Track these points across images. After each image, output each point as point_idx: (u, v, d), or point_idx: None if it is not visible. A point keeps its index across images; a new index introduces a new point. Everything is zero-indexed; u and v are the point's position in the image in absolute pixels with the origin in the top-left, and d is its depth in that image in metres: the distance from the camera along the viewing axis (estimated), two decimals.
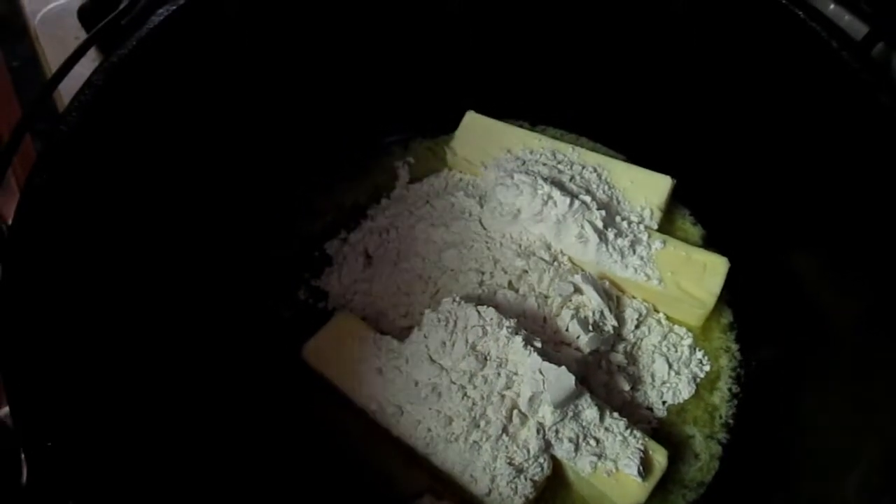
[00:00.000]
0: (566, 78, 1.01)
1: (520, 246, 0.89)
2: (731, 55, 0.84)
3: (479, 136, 1.01)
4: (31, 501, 0.52)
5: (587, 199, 0.90)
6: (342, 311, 0.88)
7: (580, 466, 0.75)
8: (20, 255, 0.61)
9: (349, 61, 0.95)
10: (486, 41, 0.98)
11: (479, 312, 0.77)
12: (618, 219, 0.91)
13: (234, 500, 0.76)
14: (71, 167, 0.67)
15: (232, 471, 0.77)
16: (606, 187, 0.94)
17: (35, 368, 0.55)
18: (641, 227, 0.91)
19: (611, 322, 0.85)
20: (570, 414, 0.75)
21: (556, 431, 0.75)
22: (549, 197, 0.88)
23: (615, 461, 0.75)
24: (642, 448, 0.75)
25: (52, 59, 1.02)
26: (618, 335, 0.87)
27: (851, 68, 0.70)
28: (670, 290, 0.87)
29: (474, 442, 0.74)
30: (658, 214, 0.93)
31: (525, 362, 0.74)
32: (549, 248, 0.89)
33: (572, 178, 0.94)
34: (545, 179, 0.90)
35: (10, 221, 0.62)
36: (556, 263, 0.88)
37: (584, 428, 0.75)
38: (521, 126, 1.04)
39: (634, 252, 0.89)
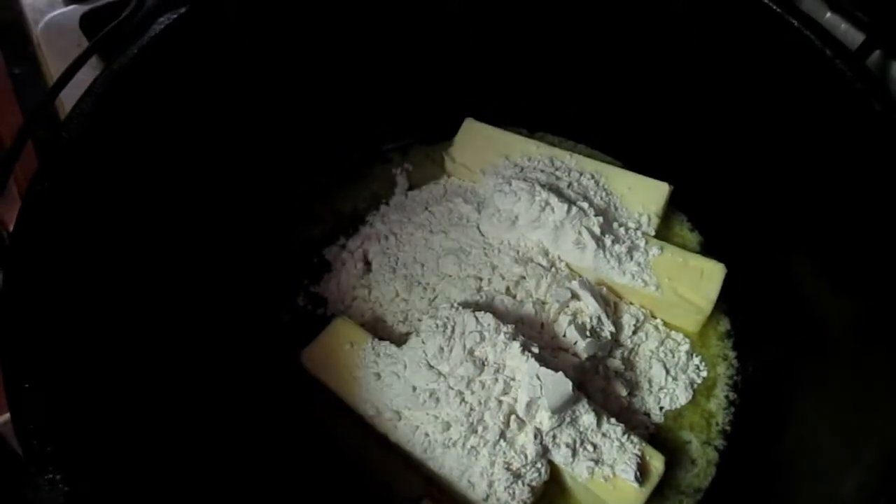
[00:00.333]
0: (564, 85, 1.02)
1: (517, 252, 0.90)
2: (727, 63, 0.84)
3: (478, 142, 1.01)
4: None
5: (585, 205, 0.90)
6: (341, 316, 0.89)
7: (577, 472, 0.75)
8: (21, 262, 0.61)
9: (348, 70, 0.95)
10: (485, 48, 0.99)
11: (476, 318, 0.78)
12: (615, 225, 0.92)
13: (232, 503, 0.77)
14: (72, 174, 0.67)
15: (231, 475, 0.77)
16: (604, 194, 0.95)
17: (36, 374, 0.56)
18: (639, 233, 0.92)
19: (608, 328, 0.85)
20: (568, 419, 0.75)
21: (554, 437, 0.75)
22: (547, 203, 0.89)
23: (612, 466, 0.75)
24: (639, 453, 0.75)
25: (54, 66, 1.02)
26: (615, 341, 0.87)
27: (846, 76, 0.70)
28: (667, 296, 0.87)
29: (472, 447, 0.74)
30: (655, 221, 0.94)
31: (522, 368, 0.75)
32: (546, 254, 0.90)
33: (570, 185, 0.95)
34: (543, 186, 0.90)
35: (10, 228, 0.63)
36: (553, 269, 0.88)
37: (581, 433, 0.75)
38: (519, 133, 1.04)
39: (632, 258, 0.89)
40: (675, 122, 0.95)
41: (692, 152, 0.95)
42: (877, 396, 0.65)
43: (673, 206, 0.99)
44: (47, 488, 0.50)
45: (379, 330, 0.89)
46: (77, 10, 1.07)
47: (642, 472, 0.75)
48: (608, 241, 0.89)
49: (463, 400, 0.75)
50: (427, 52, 0.98)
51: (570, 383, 0.73)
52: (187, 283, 0.82)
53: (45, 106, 0.75)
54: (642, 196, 0.95)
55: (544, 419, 0.74)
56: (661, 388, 0.86)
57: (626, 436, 0.76)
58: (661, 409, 0.85)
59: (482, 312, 0.79)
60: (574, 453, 0.75)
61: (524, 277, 0.87)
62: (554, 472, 0.76)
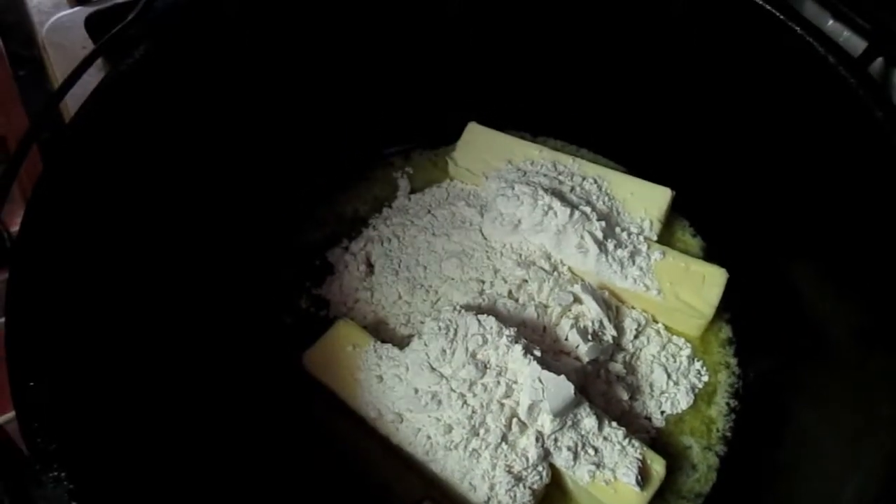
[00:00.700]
0: (567, 90, 1.02)
1: (520, 256, 0.90)
2: (730, 69, 0.85)
3: (481, 146, 1.02)
4: None
5: (587, 209, 0.91)
6: (343, 319, 0.89)
7: (579, 475, 0.75)
8: (26, 263, 0.61)
9: (352, 74, 0.96)
10: (488, 52, 0.99)
11: (479, 321, 0.78)
12: (617, 230, 0.92)
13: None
14: (77, 176, 0.67)
15: (232, 476, 0.77)
16: (606, 198, 0.95)
17: (41, 373, 0.56)
18: (641, 238, 0.92)
19: (610, 332, 0.86)
20: (569, 423, 0.75)
21: (555, 440, 0.75)
22: (550, 207, 0.89)
23: (613, 470, 0.75)
24: (640, 457, 0.76)
25: (59, 68, 1.02)
26: (617, 345, 0.87)
27: (848, 83, 0.71)
28: (669, 300, 0.88)
29: (473, 450, 0.74)
30: (657, 226, 0.94)
31: (524, 371, 0.75)
32: (549, 258, 0.90)
33: (573, 189, 0.95)
34: (546, 190, 0.91)
35: (14, 229, 0.63)
36: (555, 273, 0.89)
37: (582, 437, 0.76)
38: (522, 137, 1.05)
39: (634, 263, 0.90)
40: (678, 128, 0.95)
41: (695, 158, 0.96)
42: (877, 402, 0.66)
43: (675, 212, 0.99)
44: (52, 485, 0.50)
45: (381, 332, 0.89)
46: (82, 11, 1.08)
47: (643, 476, 0.75)
48: (610, 245, 0.89)
49: (465, 402, 0.75)
50: (430, 56, 0.98)
51: (571, 387, 0.73)
52: (190, 284, 0.82)
53: (50, 108, 0.75)
54: (645, 201, 0.95)
55: (546, 422, 0.74)
56: (662, 393, 0.86)
57: (627, 440, 0.76)
58: (662, 413, 0.85)
59: (484, 315, 0.79)
60: (575, 457, 0.75)
61: (526, 281, 0.87)
62: (555, 475, 0.77)
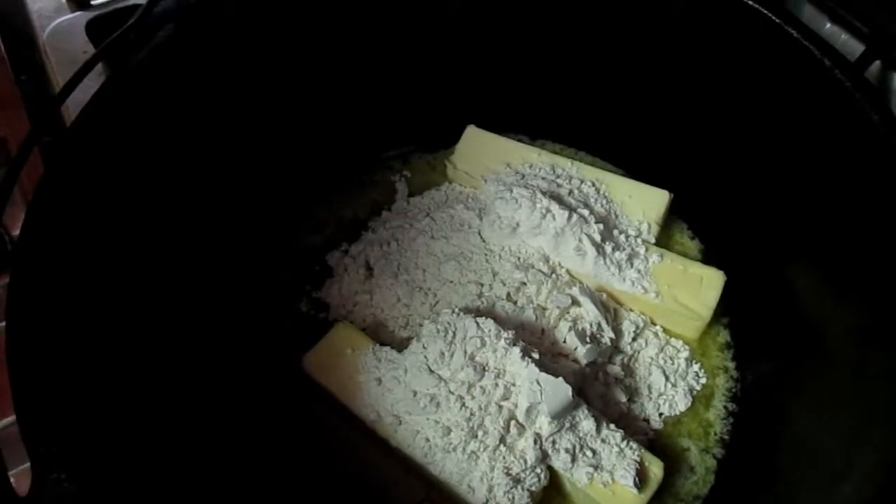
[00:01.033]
0: (566, 93, 1.02)
1: (518, 258, 0.91)
2: (728, 73, 0.85)
3: (480, 149, 1.02)
4: None
5: (585, 212, 0.91)
6: (342, 321, 0.89)
7: (577, 477, 0.75)
8: (27, 266, 0.62)
9: (351, 77, 0.96)
10: (486, 55, 1.00)
11: (477, 324, 0.78)
12: (615, 232, 0.92)
13: None
14: (78, 179, 0.68)
15: (232, 478, 0.77)
16: (605, 201, 0.96)
17: (42, 376, 0.56)
18: (639, 240, 0.92)
19: (608, 334, 0.86)
20: (567, 425, 0.76)
21: (553, 442, 0.75)
22: (548, 210, 0.89)
23: (611, 472, 0.75)
24: (638, 459, 0.76)
25: (60, 73, 1.02)
26: (615, 347, 0.88)
27: (844, 87, 0.71)
28: (667, 303, 0.88)
29: (472, 452, 0.74)
30: (655, 228, 0.94)
31: (523, 373, 0.75)
32: (547, 260, 0.90)
33: (571, 192, 0.96)
34: (544, 193, 0.91)
35: (15, 233, 0.63)
36: (554, 276, 0.89)
37: (580, 439, 0.76)
38: (520, 140, 1.05)
39: (632, 265, 0.90)
40: (676, 131, 0.96)
41: (693, 161, 0.96)
42: (874, 404, 0.66)
43: (673, 215, 0.99)
44: (52, 487, 0.51)
45: (380, 335, 0.89)
46: (83, 16, 1.08)
47: (641, 478, 0.75)
48: (608, 248, 0.90)
49: (463, 405, 0.75)
50: (429, 59, 0.98)
51: (569, 389, 0.74)
52: (190, 287, 0.83)
53: (52, 112, 0.75)
54: (643, 204, 0.95)
55: (544, 424, 0.75)
56: (660, 395, 0.86)
57: (625, 442, 0.76)
58: (660, 415, 0.86)
59: (483, 318, 0.79)
60: (573, 459, 0.75)
61: (525, 283, 0.88)
62: (553, 477, 0.77)
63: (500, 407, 0.75)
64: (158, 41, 0.75)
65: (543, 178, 0.97)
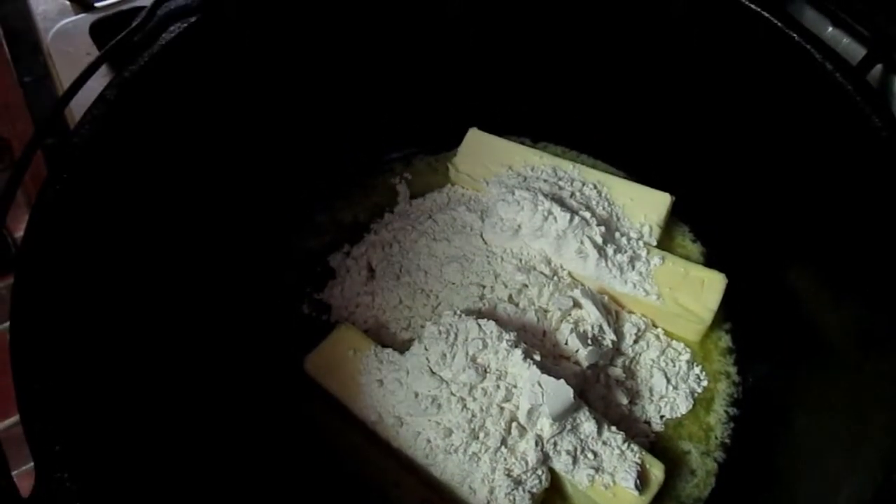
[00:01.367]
0: (568, 96, 1.02)
1: (520, 260, 0.91)
2: (729, 76, 0.85)
3: (482, 152, 1.02)
4: None
5: (587, 215, 0.91)
6: (344, 323, 0.89)
7: (578, 479, 0.75)
8: (31, 268, 0.62)
9: (353, 78, 0.96)
10: (488, 58, 1.00)
11: (479, 325, 0.78)
12: (617, 235, 0.93)
13: None
14: (82, 181, 0.68)
15: (234, 479, 0.77)
16: (606, 204, 0.96)
17: (46, 376, 0.56)
18: (640, 243, 0.92)
19: (609, 336, 0.86)
20: (569, 427, 0.76)
21: (555, 444, 0.75)
22: (550, 213, 0.89)
23: (612, 474, 0.75)
24: (639, 462, 0.76)
25: (64, 75, 1.03)
26: (616, 349, 0.88)
27: (845, 90, 0.71)
28: (669, 305, 0.88)
29: (473, 454, 0.74)
30: (657, 231, 0.94)
31: (524, 375, 0.75)
32: (549, 262, 0.91)
33: (573, 195, 0.96)
34: (546, 195, 0.91)
35: (19, 235, 0.63)
36: (555, 278, 0.89)
37: (582, 441, 0.76)
38: (522, 143, 1.05)
39: (633, 268, 0.90)
40: (678, 134, 0.96)
41: (694, 163, 0.96)
42: (874, 407, 0.66)
43: (675, 217, 1.00)
44: (54, 488, 0.51)
45: (382, 336, 0.90)
46: (87, 18, 1.08)
47: (642, 480, 0.75)
48: (610, 250, 0.90)
49: (465, 406, 0.75)
50: (431, 62, 0.99)
51: (571, 391, 0.74)
52: (193, 289, 0.83)
53: (56, 115, 0.75)
54: (644, 206, 0.96)
55: (545, 426, 0.75)
56: (661, 397, 0.86)
57: (626, 444, 0.76)
58: (661, 417, 0.86)
59: (485, 320, 0.79)
60: (574, 461, 0.75)
61: (526, 285, 0.88)
62: (554, 479, 0.77)
63: (502, 409, 0.75)
64: (163, 43, 0.75)
65: (545, 181, 0.98)
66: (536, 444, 0.75)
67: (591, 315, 0.86)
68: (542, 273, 0.89)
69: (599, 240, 0.89)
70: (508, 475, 0.74)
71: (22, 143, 0.70)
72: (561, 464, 0.75)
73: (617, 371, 0.86)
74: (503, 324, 0.81)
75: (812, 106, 0.76)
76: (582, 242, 0.89)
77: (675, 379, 0.87)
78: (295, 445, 0.83)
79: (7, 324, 0.58)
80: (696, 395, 0.87)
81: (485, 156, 1.02)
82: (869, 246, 0.71)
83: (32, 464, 0.53)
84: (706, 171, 0.95)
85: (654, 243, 0.94)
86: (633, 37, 0.92)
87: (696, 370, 0.89)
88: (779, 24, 0.76)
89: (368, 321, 0.91)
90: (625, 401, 0.84)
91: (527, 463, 0.74)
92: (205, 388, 0.79)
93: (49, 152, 0.85)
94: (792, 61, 0.76)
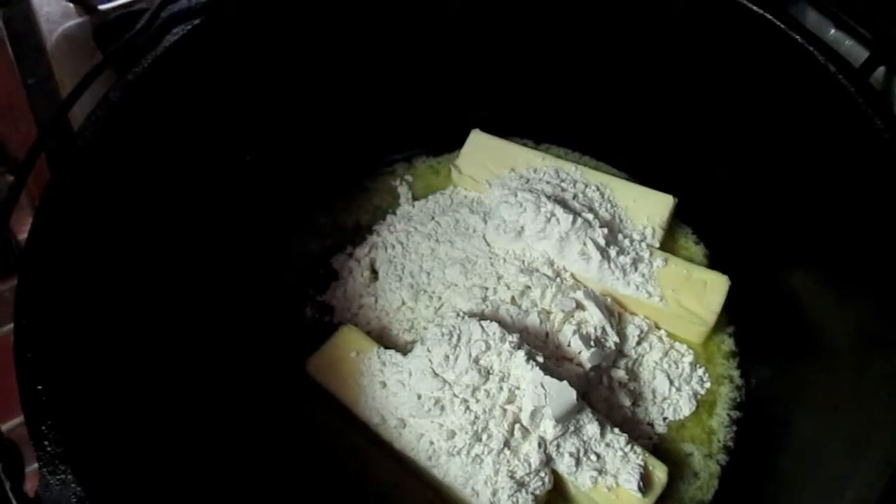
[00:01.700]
0: (570, 97, 1.03)
1: (523, 262, 0.91)
2: (732, 78, 0.85)
3: (484, 154, 1.02)
4: None
5: (590, 216, 0.91)
6: (347, 325, 0.89)
7: (581, 481, 0.75)
8: (35, 269, 0.62)
9: (355, 80, 0.96)
10: (491, 60, 1.00)
11: (482, 327, 0.78)
12: (620, 237, 0.93)
13: None
14: (84, 184, 0.68)
15: (236, 480, 0.77)
16: (609, 205, 0.96)
17: (49, 376, 0.56)
18: (643, 245, 0.92)
19: (612, 338, 0.86)
20: (572, 429, 0.76)
21: (558, 446, 0.75)
22: (553, 214, 0.89)
23: (616, 476, 0.75)
24: (642, 464, 0.76)
25: (68, 77, 1.03)
26: (619, 351, 0.88)
27: (848, 92, 0.71)
28: (671, 307, 0.88)
29: (476, 455, 0.74)
30: (660, 233, 0.94)
31: (527, 377, 0.75)
32: (551, 264, 0.91)
33: (575, 197, 0.96)
34: (548, 197, 0.91)
35: (23, 237, 0.63)
36: (558, 280, 0.89)
37: (585, 443, 0.76)
38: (525, 145, 1.06)
39: (636, 269, 0.90)
40: (680, 136, 0.96)
41: (697, 165, 0.96)
42: (876, 409, 0.66)
43: (678, 219, 1.00)
44: (58, 487, 0.51)
45: (385, 338, 0.90)
46: (91, 21, 1.08)
47: (645, 482, 0.75)
48: (613, 252, 0.90)
49: (468, 408, 0.75)
50: (434, 63, 0.99)
51: (574, 392, 0.74)
52: (195, 291, 0.83)
53: (59, 118, 0.76)
54: (647, 208, 0.96)
55: (548, 428, 0.75)
56: (664, 399, 0.86)
57: (629, 446, 0.76)
58: (664, 419, 0.86)
59: (487, 321, 0.79)
60: (577, 463, 0.75)
61: (529, 287, 0.88)
62: (557, 481, 0.77)
63: (505, 410, 0.75)
64: (166, 46, 0.76)
65: (548, 183, 0.98)
66: (539, 446, 0.75)
67: (593, 317, 0.86)
68: (544, 275, 0.89)
69: (602, 241, 0.89)
70: (511, 477, 0.74)
71: (25, 145, 0.70)
72: (564, 466, 0.75)
73: (620, 373, 0.86)
74: (506, 325, 0.81)
75: (814, 108, 0.76)
76: (585, 244, 0.89)
77: (678, 381, 0.87)
78: (296, 446, 0.83)
79: (11, 325, 0.58)
80: (699, 397, 0.87)
81: (487, 157, 1.02)
82: (871, 248, 0.71)
83: (36, 464, 0.53)
84: (709, 173, 0.95)
85: (657, 245, 0.94)
86: (636, 38, 0.92)
87: (699, 372, 0.88)
88: (781, 26, 0.76)
89: (371, 323, 0.91)
90: (628, 403, 0.84)
91: (530, 465, 0.74)
92: (207, 390, 0.80)
93: (52, 155, 0.85)
94: (794, 63, 0.76)
